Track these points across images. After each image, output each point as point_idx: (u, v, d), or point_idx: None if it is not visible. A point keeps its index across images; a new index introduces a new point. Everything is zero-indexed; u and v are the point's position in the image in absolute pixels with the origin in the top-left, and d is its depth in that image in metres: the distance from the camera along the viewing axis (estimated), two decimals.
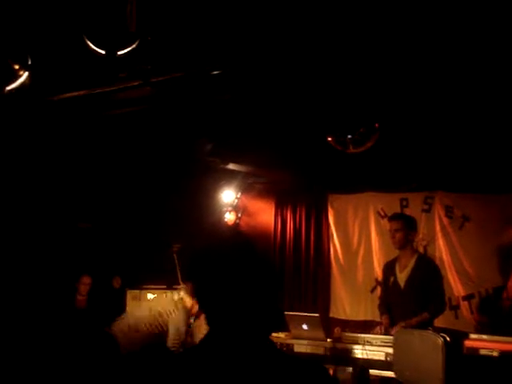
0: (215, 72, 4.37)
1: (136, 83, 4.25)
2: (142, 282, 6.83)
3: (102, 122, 5.49)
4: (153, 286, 6.78)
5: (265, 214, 8.48)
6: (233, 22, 3.77)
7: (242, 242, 1.87)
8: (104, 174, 6.39)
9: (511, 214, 6.77)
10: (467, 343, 5.13)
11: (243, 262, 1.78)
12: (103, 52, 3.46)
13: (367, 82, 4.73)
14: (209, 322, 1.78)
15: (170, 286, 6.60)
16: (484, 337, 5.24)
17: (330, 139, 5.57)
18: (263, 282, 1.78)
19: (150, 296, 6.73)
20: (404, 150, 6.38)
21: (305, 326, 5.62)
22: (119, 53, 3.46)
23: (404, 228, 5.76)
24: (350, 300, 7.79)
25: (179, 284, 6.20)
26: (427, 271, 5.76)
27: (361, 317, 7.60)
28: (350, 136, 5.47)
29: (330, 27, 3.80)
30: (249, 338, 1.73)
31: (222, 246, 1.84)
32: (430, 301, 5.62)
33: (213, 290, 1.76)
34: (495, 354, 4.97)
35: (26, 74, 3.81)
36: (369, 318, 7.36)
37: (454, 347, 4.89)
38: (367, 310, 7.46)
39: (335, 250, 7.96)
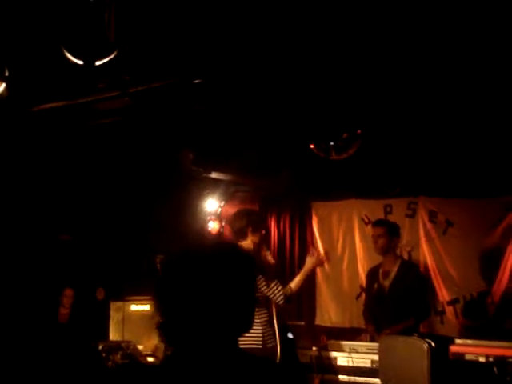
0: (196, 81, 4.36)
1: (115, 93, 4.23)
2: (126, 293, 6.77)
3: (83, 133, 5.45)
4: (137, 298, 6.72)
5: None
6: (213, 30, 3.75)
7: (218, 248, 1.82)
8: (85, 184, 6.35)
9: (495, 219, 6.79)
10: (453, 348, 5.12)
11: (216, 271, 1.73)
12: (81, 62, 3.42)
13: (349, 89, 4.74)
14: (171, 338, 1.74)
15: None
16: (469, 342, 5.23)
17: (312, 146, 5.57)
18: (238, 291, 1.74)
19: (133, 307, 6.67)
20: (387, 156, 6.39)
21: (290, 335, 5.59)
22: (97, 63, 3.43)
23: (387, 234, 5.80)
24: (335, 307, 7.77)
25: None
26: (411, 277, 5.78)
27: (346, 324, 7.58)
28: (332, 143, 5.47)
29: (311, 35, 3.80)
30: (221, 350, 1.70)
31: (193, 254, 1.79)
32: (414, 306, 5.64)
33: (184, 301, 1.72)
34: (481, 358, 4.96)
35: (4, 85, 3.77)
36: (354, 325, 7.34)
37: (440, 352, 4.89)
38: (353, 317, 7.44)
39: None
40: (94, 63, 3.43)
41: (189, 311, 1.70)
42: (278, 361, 4.80)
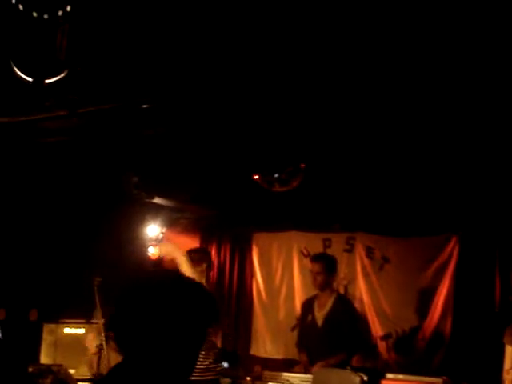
0: (145, 106, 4.38)
1: (63, 113, 4.20)
2: (60, 315, 6.62)
3: (27, 152, 5.38)
4: (71, 321, 6.57)
5: None
6: (162, 56, 3.80)
7: (178, 279, 1.86)
8: (23, 202, 6.23)
9: (430, 257, 7.00)
10: (384, 382, 5.23)
11: (174, 300, 1.77)
12: (30, 79, 3.40)
13: (295, 123, 4.84)
14: (124, 352, 1.76)
15: (89, 320, 6.43)
16: (400, 376, 5.36)
17: (256, 177, 5.65)
18: (191, 323, 1.78)
19: (67, 330, 6.52)
20: (328, 191, 6.52)
21: (225, 364, 5.60)
22: (47, 81, 3.42)
23: (325, 271, 5.93)
24: (271, 338, 7.80)
25: (98, 318, 6.05)
26: (344, 311, 5.90)
27: (281, 355, 7.61)
28: (276, 175, 5.56)
29: (255, 64, 3.88)
30: (161, 377, 1.72)
31: (154, 282, 1.83)
32: (347, 340, 5.73)
33: (134, 325, 1.74)
34: None
35: None
36: (289, 356, 7.37)
37: None
38: (288, 348, 7.47)
39: (258, 288, 7.99)
40: (43, 81, 3.41)
41: (139, 339, 1.74)
42: None
